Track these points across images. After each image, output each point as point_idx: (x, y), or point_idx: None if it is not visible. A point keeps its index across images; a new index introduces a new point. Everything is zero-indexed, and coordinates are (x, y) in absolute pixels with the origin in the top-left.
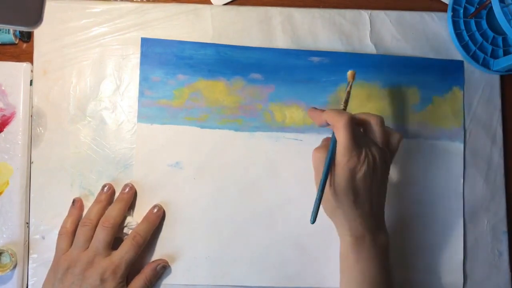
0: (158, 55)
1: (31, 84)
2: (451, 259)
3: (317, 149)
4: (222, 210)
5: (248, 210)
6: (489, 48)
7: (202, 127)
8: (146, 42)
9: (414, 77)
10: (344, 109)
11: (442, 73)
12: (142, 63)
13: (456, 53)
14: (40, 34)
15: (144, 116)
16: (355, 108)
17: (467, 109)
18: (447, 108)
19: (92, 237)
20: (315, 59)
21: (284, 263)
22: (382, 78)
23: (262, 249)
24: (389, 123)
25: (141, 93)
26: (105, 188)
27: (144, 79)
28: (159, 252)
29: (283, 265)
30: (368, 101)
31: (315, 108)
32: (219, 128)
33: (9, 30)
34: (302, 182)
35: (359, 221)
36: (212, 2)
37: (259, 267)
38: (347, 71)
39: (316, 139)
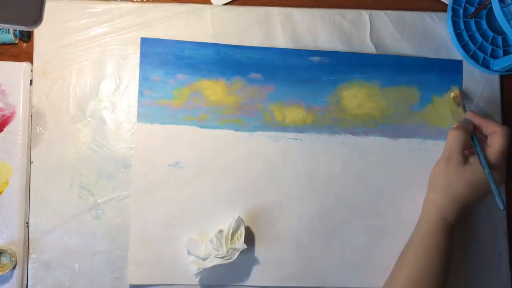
0: (158, 55)
1: (31, 84)
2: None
3: (454, 128)
4: (221, 210)
5: (247, 209)
6: (489, 48)
7: (202, 127)
8: (145, 42)
9: (413, 77)
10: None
11: (442, 73)
12: (141, 63)
13: (456, 53)
14: (40, 34)
15: (144, 116)
16: (354, 108)
17: (467, 109)
18: (447, 107)
19: None
20: (315, 58)
21: (283, 262)
22: (382, 78)
23: (263, 248)
24: (388, 122)
25: (141, 93)
26: None
27: (143, 79)
28: (159, 252)
29: (282, 264)
30: (368, 101)
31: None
32: (219, 128)
33: (9, 29)
34: (302, 181)
35: (460, 211)
36: (212, 2)
37: (259, 266)
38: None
39: (316, 139)
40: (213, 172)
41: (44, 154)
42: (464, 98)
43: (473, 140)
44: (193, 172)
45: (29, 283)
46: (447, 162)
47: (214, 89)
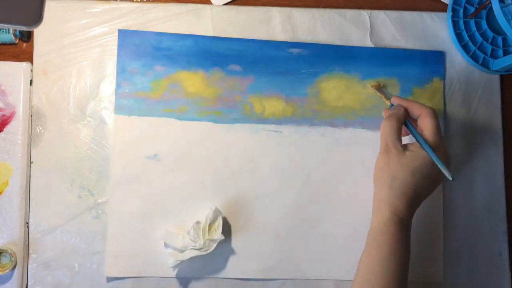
0: (136, 47)
1: (31, 84)
2: (431, 250)
3: (385, 118)
4: (200, 202)
5: (226, 201)
6: (489, 48)
7: (180, 119)
8: (123, 34)
9: (394, 69)
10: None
11: (423, 64)
12: (119, 54)
13: (456, 53)
14: (40, 34)
15: (121, 108)
16: (333, 100)
17: (467, 109)
18: (427, 99)
19: None
20: (295, 50)
21: (262, 254)
22: (362, 70)
23: (241, 241)
24: (368, 114)
25: (118, 85)
26: None
27: (121, 71)
28: (136, 244)
29: (261, 257)
30: (348, 93)
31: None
32: (197, 120)
33: (9, 29)
34: (281, 173)
35: (410, 203)
36: (212, 2)
37: (237, 259)
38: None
39: (295, 131)
40: (191, 164)
41: (44, 154)
42: (464, 98)
43: (407, 125)
44: (171, 164)
45: (29, 283)
46: (386, 153)
47: (193, 81)
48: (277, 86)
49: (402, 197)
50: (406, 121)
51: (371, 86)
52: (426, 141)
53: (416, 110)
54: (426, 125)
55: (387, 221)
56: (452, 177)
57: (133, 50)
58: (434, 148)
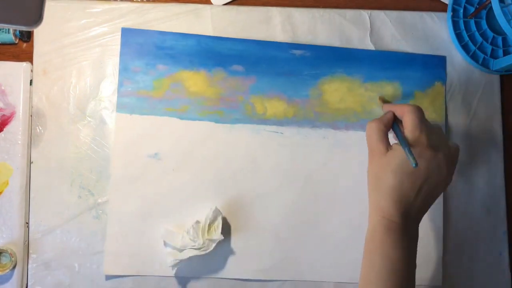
0: (139, 46)
1: (31, 84)
2: (431, 251)
3: (370, 121)
4: (200, 201)
5: (227, 201)
6: (489, 48)
7: (182, 118)
8: (126, 32)
9: (396, 72)
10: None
11: (425, 68)
12: (122, 53)
13: (456, 53)
14: (40, 34)
15: (123, 106)
16: (335, 102)
17: (467, 109)
18: (429, 103)
19: None
20: (297, 52)
21: (261, 255)
22: (364, 73)
23: (240, 241)
24: (370, 117)
25: (121, 83)
26: None
27: (123, 69)
28: (136, 243)
29: (260, 257)
30: (349, 95)
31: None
32: (199, 120)
33: (9, 29)
34: (282, 174)
35: (398, 204)
36: (212, 2)
37: (236, 259)
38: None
39: (297, 132)
40: (192, 164)
41: (44, 154)
42: (464, 98)
43: (393, 128)
44: (172, 164)
45: (29, 283)
46: (371, 156)
47: (195, 80)
48: (279, 87)
49: (388, 198)
50: (394, 124)
51: (379, 98)
52: (405, 137)
53: (399, 111)
54: (406, 122)
55: (376, 225)
56: (415, 163)
57: (136, 49)
58: (413, 142)
